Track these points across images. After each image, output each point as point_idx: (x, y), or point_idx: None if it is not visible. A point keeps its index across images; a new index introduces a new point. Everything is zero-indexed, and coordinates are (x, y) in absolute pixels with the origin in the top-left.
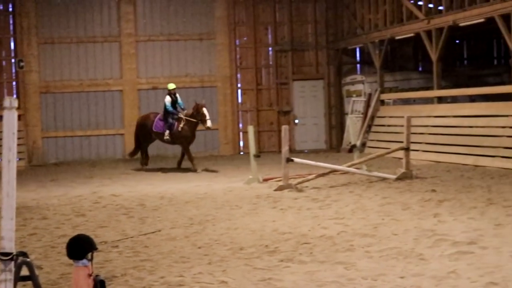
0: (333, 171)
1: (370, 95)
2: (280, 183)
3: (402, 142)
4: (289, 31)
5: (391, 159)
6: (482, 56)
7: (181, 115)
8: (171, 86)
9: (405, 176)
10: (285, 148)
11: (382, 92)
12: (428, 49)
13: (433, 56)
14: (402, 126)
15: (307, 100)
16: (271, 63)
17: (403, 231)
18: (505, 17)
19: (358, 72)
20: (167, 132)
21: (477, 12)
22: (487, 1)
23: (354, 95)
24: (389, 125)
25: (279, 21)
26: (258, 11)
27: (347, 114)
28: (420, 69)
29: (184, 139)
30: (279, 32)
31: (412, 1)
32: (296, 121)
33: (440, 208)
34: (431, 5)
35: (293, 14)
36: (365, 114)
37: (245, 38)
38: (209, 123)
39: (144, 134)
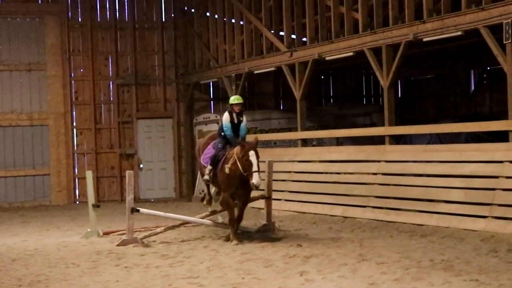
0: (185, 223)
1: None
2: (124, 237)
3: (262, 190)
4: (132, 63)
5: (250, 209)
6: (350, 94)
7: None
8: (235, 99)
9: (267, 229)
10: (129, 197)
11: None
12: (291, 85)
13: (297, 93)
14: (262, 172)
15: (154, 141)
16: (112, 98)
17: None
18: (376, 51)
19: (212, 110)
20: (208, 168)
21: (345, 45)
22: (356, 33)
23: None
24: None
25: (121, 51)
26: (97, 39)
27: None
28: (281, 107)
29: (225, 187)
30: (121, 64)
31: (273, 31)
32: (141, 165)
33: (307, 265)
34: (294, 36)
35: (137, 43)
36: None
37: (81, 70)
38: (255, 179)
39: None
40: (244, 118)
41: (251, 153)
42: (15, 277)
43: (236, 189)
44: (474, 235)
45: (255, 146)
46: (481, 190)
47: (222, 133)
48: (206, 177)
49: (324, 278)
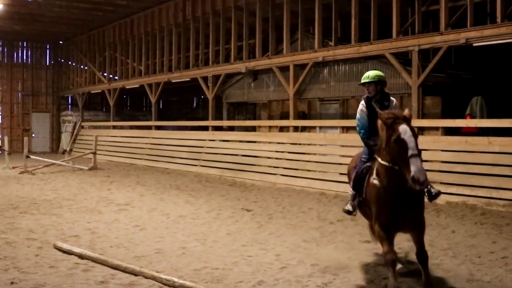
0: (53, 164)
1: (75, 123)
2: (22, 170)
3: (92, 149)
4: (31, 84)
5: (86, 158)
6: (138, 105)
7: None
8: (366, 78)
9: (93, 168)
10: (25, 150)
11: (82, 121)
12: (108, 99)
13: (111, 102)
14: (92, 140)
15: (40, 124)
16: (20, 102)
17: (90, 198)
18: (150, 85)
19: (70, 110)
20: (351, 193)
21: (135, 82)
22: (140, 76)
23: (67, 122)
24: (86, 140)
25: (26, 78)
26: (14, 72)
27: (62, 132)
28: (104, 110)
29: (376, 212)
30: (25, 84)
31: (101, 73)
32: (33, 135)
33: (111, 185)
34: (111, 75)
35: (34, 75)
36: (72, 133)
37: (5, 87)
38: (414, 168)
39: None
40: (393, 101)
41: (402, 129)
42: None
43: (395, 211)
44: (191, 173)
45: (407, 118)
46: (195, 153)
47: (361, 136)
48: (348, 207)
49: (119, 192)
